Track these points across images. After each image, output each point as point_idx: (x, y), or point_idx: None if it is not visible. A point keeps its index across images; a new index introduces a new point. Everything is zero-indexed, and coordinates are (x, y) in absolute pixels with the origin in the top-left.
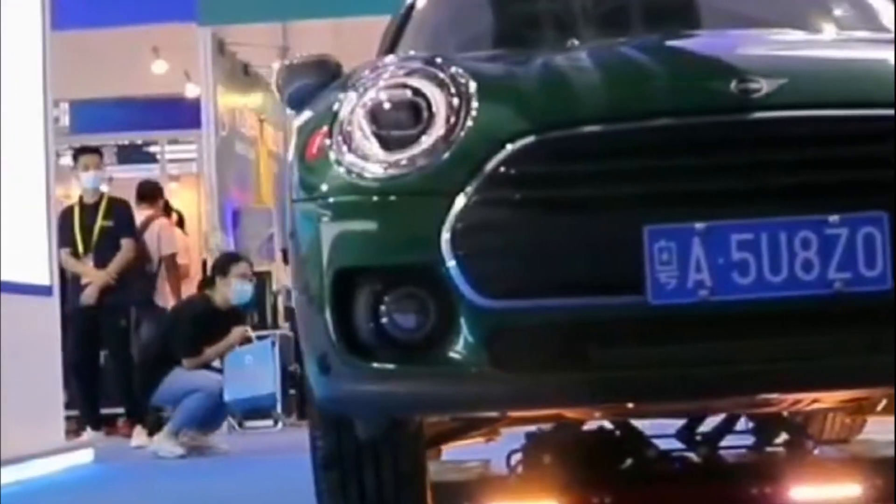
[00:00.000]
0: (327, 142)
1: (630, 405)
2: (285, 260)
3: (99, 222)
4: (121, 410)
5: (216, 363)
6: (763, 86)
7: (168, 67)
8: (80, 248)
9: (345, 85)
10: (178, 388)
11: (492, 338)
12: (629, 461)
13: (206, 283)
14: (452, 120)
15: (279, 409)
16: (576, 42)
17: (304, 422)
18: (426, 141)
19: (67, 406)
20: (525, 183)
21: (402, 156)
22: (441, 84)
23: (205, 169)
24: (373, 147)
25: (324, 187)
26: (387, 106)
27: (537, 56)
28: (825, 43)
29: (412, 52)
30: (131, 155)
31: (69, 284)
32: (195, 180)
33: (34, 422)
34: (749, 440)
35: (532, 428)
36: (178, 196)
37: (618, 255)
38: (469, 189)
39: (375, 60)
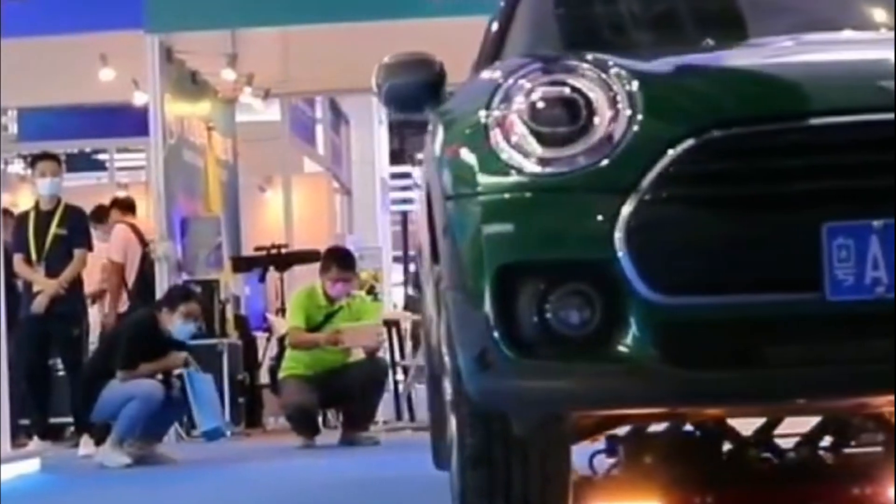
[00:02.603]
0: (485, 139)
1: (800, 402)
2: (234, 269)
3: (53, 230)
4: (69, 420)
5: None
6: None
7: (116, 75)
8: (34, 255)
9: (496, 82)
10: (115, 399)
11: (663, 334)
12: (730, 461)
13: (159, 304)
14: (616, 118)
15: (227, 417)
16: (710, 41)
17: (252, 430)
18: (589, 139)
19: (19, 414)
20: (700, 180)
21: (565, 153)
22: (601, 83)
23: (153, 177)
24: (533, 144)
25: (483, 184)
26: (546, 103)
27: (687, 55)
28: None
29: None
30: (80, 163)
31: (23, 291)
32: (144, 188)
33: None
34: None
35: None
36: None
37: (795, 252)
38: (642, 187)
39: (527, 58)
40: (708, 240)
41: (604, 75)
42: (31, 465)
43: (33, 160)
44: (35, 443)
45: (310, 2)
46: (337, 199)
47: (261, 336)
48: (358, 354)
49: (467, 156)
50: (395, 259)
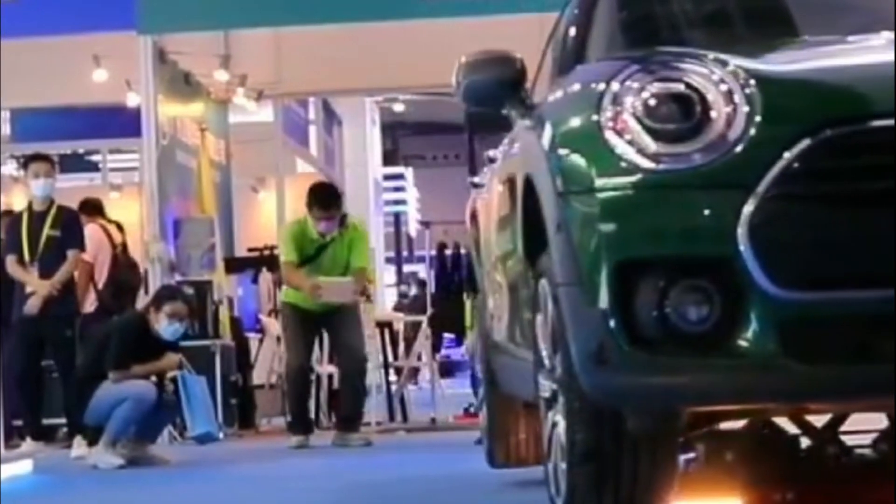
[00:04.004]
0: (599, 137)
1: None
2: (227, 269)
3: (46, 231)
4: (62, 421)
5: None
6: None
7: (109, 76)
8: (27, 256)
9: (600, 85)
10: (108, 400)
11: (786, 329)
12: (809, 458)
13: (148, 304)
14: (734, 115)
15: (220, 419)
16: (808, 38)
17: (245, 431)
18: (706, 136)
19: (12, 416)
20: (823, 176)
21: (681, 150)
22: (717, 80)
23: (146, 178)
24: (649, 140)
25: (600, 180)
26: (659, 100)
27: (792, 52)
28: None
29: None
30: (73, 164)
31: (16, 292)
32: (137, 189)
33: None
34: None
35: None
36: (121, 205)
37: None
38: (764, 184)
39: (627, 59)
40: (831, 236)
41: (719, 73)
42: (24, 466)
43: (26, 161)
44: (28, 444)
45: (302, 3)
46: None
47: (254, 337)
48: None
49: (582, 154)
50: (388, 260)
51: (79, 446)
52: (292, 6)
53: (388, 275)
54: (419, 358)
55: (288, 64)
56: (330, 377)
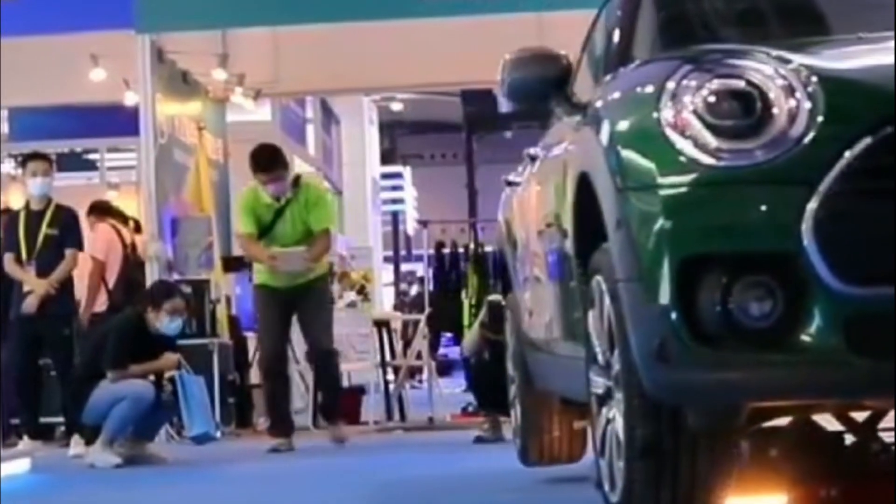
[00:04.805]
0: (660, 134)
1: None
2: (224, 268)
3: (43, 230)
4: (60, 419)
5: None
6: None
7: (107, 75)
8: (25, 255)
9: (663, 77)
10: (105, 400)
11: (850, 324)
12: (853, 454)
13: (144, 303)
14: (796, 112)
15: (218, 418)
16: (861, 35)
17: (242, 430)
18: (768, 132)
19: (10, 414)
20: (885, 173)
21: (743, 146)
22: (777, 77)
23: (143, 177)
24: (709, 137)
25: (662, 176)
26: (721, 97)
27: (847, 48)
28: None
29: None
30: (71, 162)
31: (14, 291)
32: (135, 188)
33: None
34: None
35: None
36: (118, 204)
37: None
38: (829, 179)
39: (687, 54)
40: (894, 232)
41: (780, 70)
42: (22, 465)
43: (24, 160)
44: (25, 442)
45: (300, 2)
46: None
47: (251, 336)
48: (322, 268)
49: (642, 151)
50: (386, 259)
51: (76, 445)
52: (290, 5)
53: (386, 274)
54: (418, 357)
55: (286, 63)
56: None
